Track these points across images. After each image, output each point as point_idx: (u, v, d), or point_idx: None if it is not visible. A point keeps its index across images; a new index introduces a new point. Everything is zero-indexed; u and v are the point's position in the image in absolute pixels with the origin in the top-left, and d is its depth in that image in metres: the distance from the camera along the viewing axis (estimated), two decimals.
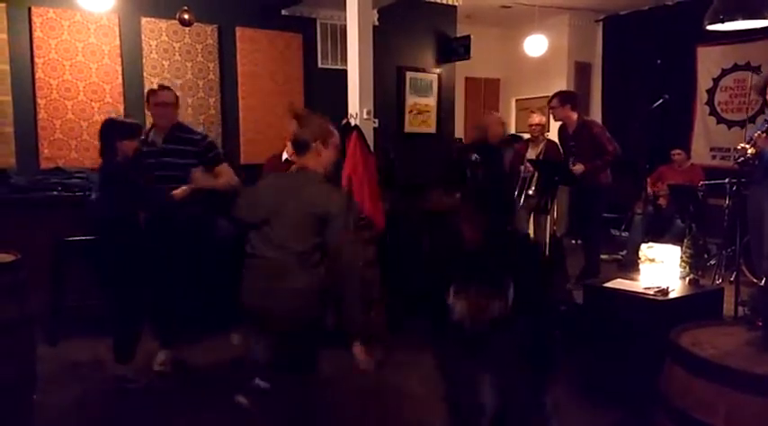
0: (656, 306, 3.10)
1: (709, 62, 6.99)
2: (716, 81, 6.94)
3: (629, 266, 4.63)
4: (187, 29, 5.63)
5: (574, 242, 6.32)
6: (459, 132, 8.23)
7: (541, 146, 5.61)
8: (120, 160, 3.43)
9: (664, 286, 3.18)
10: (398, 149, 5.98)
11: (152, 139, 3.73)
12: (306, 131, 2.77)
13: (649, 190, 5.88)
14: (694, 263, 3.42)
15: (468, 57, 7.22)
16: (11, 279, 2.93)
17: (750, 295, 2.89)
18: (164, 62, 5.68)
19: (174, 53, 5.74)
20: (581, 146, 5.03)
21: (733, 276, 4.39)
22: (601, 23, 8.18)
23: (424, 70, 7.20)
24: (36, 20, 5.15)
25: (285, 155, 5.33)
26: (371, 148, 4.53)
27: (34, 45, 5.15)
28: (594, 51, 8.30)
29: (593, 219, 5.29)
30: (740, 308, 3.71)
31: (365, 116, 4.60)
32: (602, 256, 5.62)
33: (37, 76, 5.19)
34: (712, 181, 5.39)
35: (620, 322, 3.23)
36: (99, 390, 3.52)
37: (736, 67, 6.73)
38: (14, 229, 4.09)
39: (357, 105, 4.61)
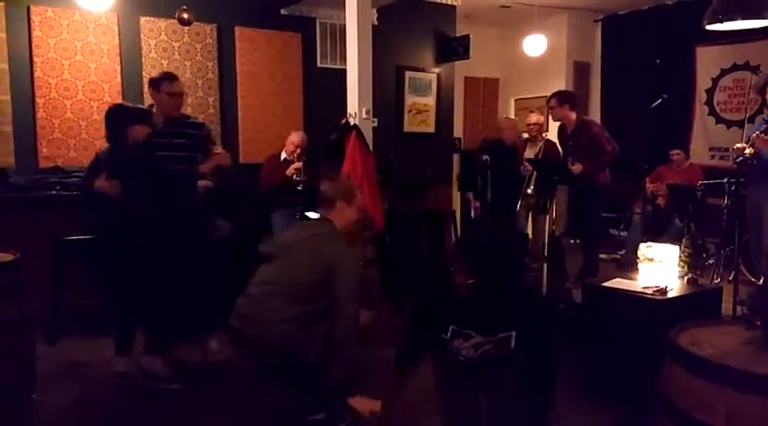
0: (654, 306, 3.10)
1: (708, 62, 6.99)
2: (715, 81, 6.94)
3: (628, 265, 4.64)
4: (186, 28, 5.62)
5: (572, 241, 6.33)
6: (458, 132, 8.24)
7: (540, 145, 5.62)
8: (132, 146, 3.44)
9: (662, 285, 3.18)
10: (397, 149, 5.98)
11: (159, 126, 3.76)
12: (332, 189, 2.95)
13: (648, 189, 5.89)
14: (693, 263, 3.42)
15: (468, 57, 7.21)
16: (10, 279, 2.93)
17: (749, 294, 2.89)
18: (163, 61, 5.67)
19: (173, 52, 5.73)
20: (580, 145, 5.04)
21: (732, 275, 4.39)
22: (600, 23, 8.19)
23: (423, 70, 7.19)
24: (35, 19, 5.14)
25: (284, 155, 5.35)
26: (370, 148, 4.53)
27: (33, 44, 5.14)
28: (593, 51, 8.29)
29: (592, 219, 5.30)
30: (739, 307, 3.72)
31: (364, 115, 4.60)
32: (601, 256, 5.63)
33: (36, 75, 5.17)
34: (711, 181, 5.40)
35: (618, 321, 3.23)
36: (98, 389, 3.52)
37: (735, 67, 6.74)
38: (13, 229, 4.09)
39: (356, 105, 4.61)
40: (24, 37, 5.12)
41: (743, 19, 3.72)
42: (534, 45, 7.44)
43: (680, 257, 3.40)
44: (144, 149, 3.50)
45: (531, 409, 2.26)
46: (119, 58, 5.49)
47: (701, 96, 7.07)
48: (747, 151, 4.03)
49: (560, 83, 7.80)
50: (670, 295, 3.17)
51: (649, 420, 2.31)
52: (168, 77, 3.91)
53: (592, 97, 8.34)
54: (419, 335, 2.50)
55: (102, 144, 5.11)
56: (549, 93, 5.42)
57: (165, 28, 5.66)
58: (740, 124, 6.36)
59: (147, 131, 3.49)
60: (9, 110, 5.09)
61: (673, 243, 3.56)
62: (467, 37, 7.15)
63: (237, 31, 6.03)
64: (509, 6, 7.49)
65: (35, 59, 5.15)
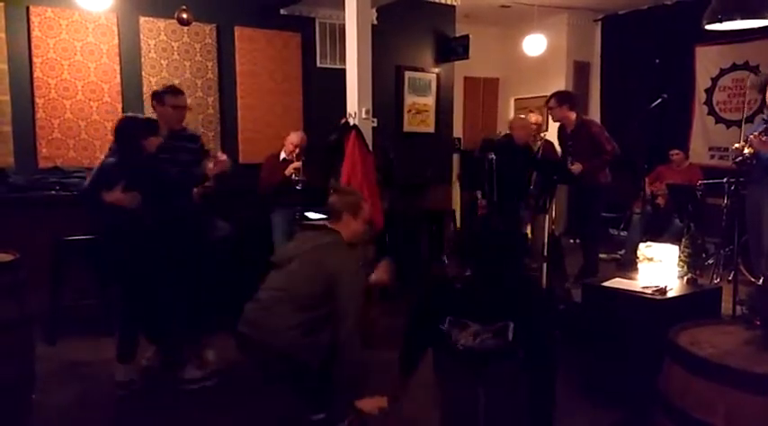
0: (654, 306, 3.10)
1: (707, 62, 6.99)
2: (714, 80, 6.94)
3: (628, 265, 4.64)
4: (185, 28, 5.62)
5: (572, 241, 6.34)
6: (457, 132, 8.24)
7: (538, 145, 5.61)
8: (146, 157, 3.45)
9: (662, 285, 3.18)
10: (397, 149, 5.98)
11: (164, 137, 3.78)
12: (339, 202, 2.99)
13: (648, 189, 5.89)
14: (692, 263, 3.42)
15: (467, 57, 7.21)
16: (10, 279, 2.94)
17: (748, 294, 2.89)
18: (162, 61, 5.67)
19: (173, 52, 5.73)
20: (579, 145, 5.04)
21: (731, 275, 4.39)
22: (599, 23, 8.18)
23: (422, 69, 7.19)
24: (34, 19, 5.13)
25: (283, 155, 5.35)
26: (370, 148, 4.53)
27: (32, 44, 5.14)
28: (593, 51, 8.29)
29: (592, 218, 5.30)
30: (738, 307, 3.73)
31: (364, 115, 4.60)
32: (601, 255, 5.63)
33: (35, 76, 5.17)
34: (710, 181, 5.40)
35: (618, 321, 3.23)
36: (98, 390, 3.52)
37: (734, 67, 6.74)
38: (13, 229, 4.10)
39: (356, 104, 4.60)
40: (24, 37, 5.12)
41: (742, 19, 3.72)
42: (534, 45, 7.44)
43: (679, 257, 3.40)
44: (155, 160, 3.51)
45: (531, 409, 2.26)
46: (118, 59, 5.49)
47: (700, 96, 7.07)
48: (746, 151, 4.03)
49: (560, 82, 7.81)
50: (670, 295, 3.17)
51: (649, 419, 2.31)
52: (172, 91, 3.87)
53: (591, 97, 8.34)
54: (419, 332, 2.51)
55: (101, 144, 5.18)
56: (548, 93, 5.41)
57: (165, 28, 5.66)
58: (739, 124, 6.36)
59: (159, 142, 3.50)
60: (8, 110, 5.08)
61: (672, 243, 3.56)
62: (466, 37, 7.15)
63: (237, 30, 6.03)
64: (509, 6, 7.49)
65: (34, 59, 5.15)
